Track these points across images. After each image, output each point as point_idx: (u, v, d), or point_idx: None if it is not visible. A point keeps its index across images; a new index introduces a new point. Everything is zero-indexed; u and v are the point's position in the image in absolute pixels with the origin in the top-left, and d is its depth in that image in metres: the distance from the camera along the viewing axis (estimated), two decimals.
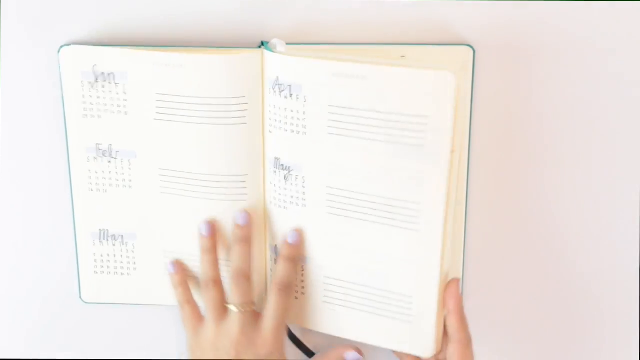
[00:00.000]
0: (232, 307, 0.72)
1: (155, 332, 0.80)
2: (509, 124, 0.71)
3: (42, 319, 0.81)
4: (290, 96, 0.68)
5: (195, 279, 0.76)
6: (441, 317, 0.69)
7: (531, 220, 0.74)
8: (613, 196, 0.73)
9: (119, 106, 0.72)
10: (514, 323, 0.77)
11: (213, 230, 0.73)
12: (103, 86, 0.72)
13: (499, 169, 0.73)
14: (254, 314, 0.72)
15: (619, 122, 0.71)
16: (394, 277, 0.69)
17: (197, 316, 0.74)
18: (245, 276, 0.72)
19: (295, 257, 0.72)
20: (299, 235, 0.72)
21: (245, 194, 0.73)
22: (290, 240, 0.72)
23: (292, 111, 0.68)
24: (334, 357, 0.74)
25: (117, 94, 0.72)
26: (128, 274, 0.78)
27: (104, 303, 0.79)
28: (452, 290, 0.69)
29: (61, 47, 0.71)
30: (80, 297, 0.79)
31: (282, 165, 0.71)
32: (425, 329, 0.69)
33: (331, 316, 0.73)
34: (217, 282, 0.73)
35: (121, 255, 0.77)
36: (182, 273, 0.76)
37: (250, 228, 0.73)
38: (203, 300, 0.73)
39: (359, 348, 0.73)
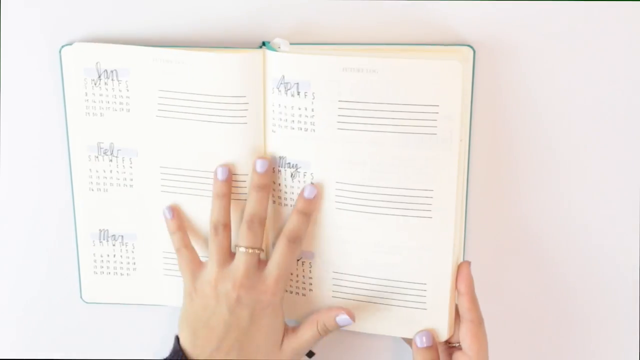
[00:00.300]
0: (240, 249, 0.70)
1: (156, 332, 0.79)
2: (509, 124, 0.72)
3: (42, 318, 0.80)
4: (298, 94, 0.68)
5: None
6: (454, 300, 0.70)
7: (530, 221, 0.75)
8: (612, 193, 0.74)
9: (121, 104, 0.72)
10: (513, 321, 0.78)
11: (229, 175, 0.71)
12: (106, 83, 0.71)
13: (499, 168, 0.73)
14: (260, 261, 0.71)
15: (619, 121, 0.71)
16: (408, 266, 0.70)
17: (197, 260, 0.72)
18: (259, 221, 0.70)
19: (311, 212, 0.71)
20: (316, 189, 0.70)
21: (246, 194, 0.72)
22: (306, 195, 0.70)
23: (299, 109, 0.68)
24: (325, 318, 0.71)
25: (120, 91, 0.71)
26: (128, 274, 0.77)
27: (105, 303, 0.78)
28: (463, 272, 0.69)
29: (62, 46, 0.71)
30: (81, 297, 0.78)
31: (289, 163, 0.71)
32: (440, 313, 0.70)
33: None
34: (227, 227, 0.71)
35: (121, 256, 0.76)
36: (180, 218, 0.73)
37: (269, 176, 0.71)
38: (210, 244, 0.71)
39: (350, 311, 0.70)
